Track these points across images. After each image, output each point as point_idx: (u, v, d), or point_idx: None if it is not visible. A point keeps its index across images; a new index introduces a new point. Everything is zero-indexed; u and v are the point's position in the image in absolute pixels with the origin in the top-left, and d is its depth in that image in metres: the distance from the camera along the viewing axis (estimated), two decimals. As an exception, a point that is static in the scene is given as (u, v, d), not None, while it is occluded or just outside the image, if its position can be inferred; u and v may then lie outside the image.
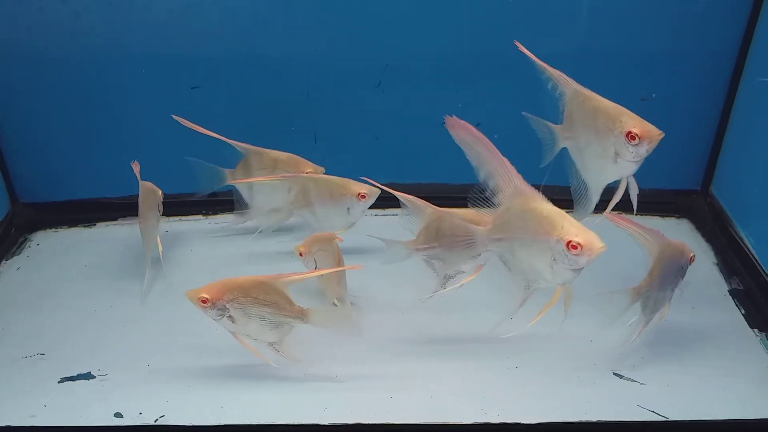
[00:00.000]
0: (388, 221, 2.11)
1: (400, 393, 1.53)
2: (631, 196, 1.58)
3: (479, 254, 1.55)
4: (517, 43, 1.60)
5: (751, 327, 1.74)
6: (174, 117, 1.88)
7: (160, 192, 1.86)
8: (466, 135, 1.44)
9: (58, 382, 1.57)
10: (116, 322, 1.77)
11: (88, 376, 1.59)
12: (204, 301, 1.45)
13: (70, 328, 1.74)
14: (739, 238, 2.00)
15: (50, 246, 2.11)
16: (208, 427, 1.44)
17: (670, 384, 1.56)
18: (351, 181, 1.87)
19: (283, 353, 1.53)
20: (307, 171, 1.93)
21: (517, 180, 1.40)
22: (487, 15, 2.02)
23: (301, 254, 1.77)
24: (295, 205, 1.93)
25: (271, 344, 1.53)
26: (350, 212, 1.88)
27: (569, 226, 1.31)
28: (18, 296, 1.87)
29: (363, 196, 1.85)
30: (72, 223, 2.20)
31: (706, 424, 1.46)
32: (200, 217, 2.25)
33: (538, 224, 1.35)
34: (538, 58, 1.57)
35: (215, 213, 2.25)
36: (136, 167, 1.87)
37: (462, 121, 1.45)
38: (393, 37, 2.04)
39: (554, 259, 1.33)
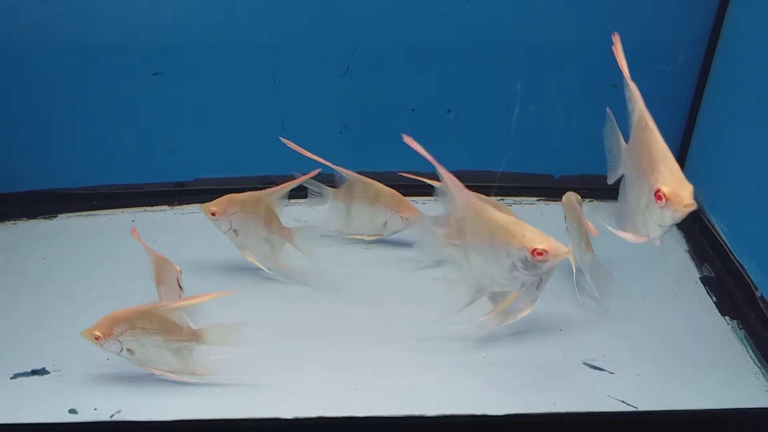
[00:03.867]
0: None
1: (365, 385, 1.50)
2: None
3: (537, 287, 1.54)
4: (615, 39, 1.41)
5: (722, 315, 1.73)
6: (282, 140, 1.82)
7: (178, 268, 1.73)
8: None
9: (11, 378, 1.53)
10: (71, 315, 1.71)
11: (42, 371, 1.55)
12: (97, 338, 1.44)
13: (24, 323, 1.69)
14: (711, 224, 1.99)
15: (7, 239, 2.05)
16: (167, 422, 1.40)
17: (640, 374, 1.54)
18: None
19: (197, 374, 1.50)
20: (407, 213, 1.89)
21: (467, 191, 1.42)
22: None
23: (213, 214, 1.74)
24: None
25: (179, 370, 1.49)
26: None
27: (531, 234, 1.34)
28: (-31, 291, 1.82)
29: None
30: (31, 214, 2.14)
31: (677, 414, 1.44)
32: (166, 207, 2.20)
33: (494, 232, 1.38)
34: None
35: (181, 204, 2.19)
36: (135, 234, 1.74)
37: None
38: (361, 19, 2.00)
39: (513, 265, 1.36)
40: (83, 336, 1.44)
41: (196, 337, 1.46)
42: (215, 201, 1.78)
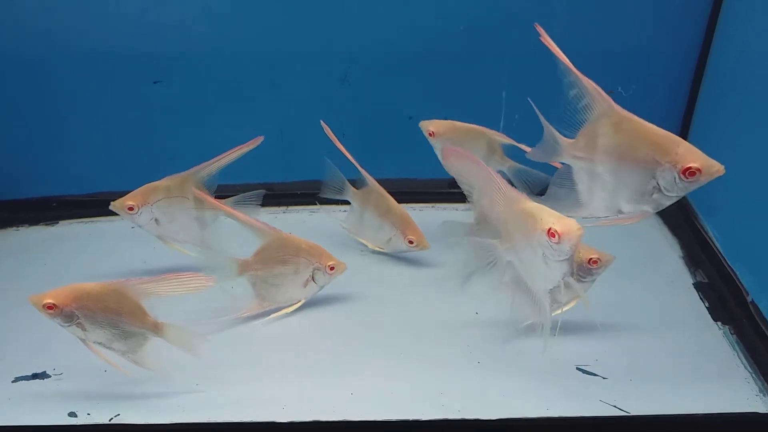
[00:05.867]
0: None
1: (359, 389, 1.51)
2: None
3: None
4: (542, 35, 1.43)
5: (715, 320, 1.74)
6: (322, 123, 1.87)
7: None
8: (459, 161, 1.46)
9: (12, 382, 1.55)
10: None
11: (42, 375, 1.57)
12: (50, 308, 1.38)
13: (25, 327, 1.70)
14: (704, 231, 2.01)
15: (9, 245, 2.07)
16: (165, 425, 1.42)
17: (633, 378, 1.55)
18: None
19: (138, 363, 1.48)
20: (410, 237, 1.89)
21: (505, 186, 1.40)
22: (456, 8, 2.01)
23: (131, 209, 1.68)
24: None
25: (123, 353, 1.47)
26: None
27: (547, 216, 1.29)
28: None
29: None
30: (33, 221, 2.16)
31: (668, 419, 1.45)
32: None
33: (525, 223, 1.34)
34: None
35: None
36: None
37: (454, 149, 1.46)
38: (358, 28, 2.02)
39: (544, 254, 1.31)
40: (30, 301, 1.38)
41: (156, 328, 1.44)
42: (130, 194, 1.72)
